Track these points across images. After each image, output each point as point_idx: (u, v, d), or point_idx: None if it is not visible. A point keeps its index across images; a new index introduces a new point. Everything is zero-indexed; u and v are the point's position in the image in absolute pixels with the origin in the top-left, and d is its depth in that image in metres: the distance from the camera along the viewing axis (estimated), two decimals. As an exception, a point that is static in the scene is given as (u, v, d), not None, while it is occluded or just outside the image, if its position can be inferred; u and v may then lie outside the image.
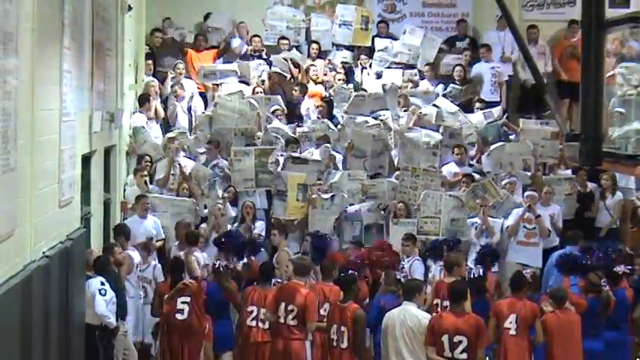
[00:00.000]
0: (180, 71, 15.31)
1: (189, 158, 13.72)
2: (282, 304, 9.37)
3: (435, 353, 8.45)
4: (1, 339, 6.52)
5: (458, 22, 16.90)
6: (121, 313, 10.09)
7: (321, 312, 9.61)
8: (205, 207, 12.96)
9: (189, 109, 15.07)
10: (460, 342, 8.43)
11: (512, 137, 14.56)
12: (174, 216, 12.53)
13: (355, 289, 9.39)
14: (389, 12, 17.27)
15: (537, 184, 13.37)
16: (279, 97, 15.10)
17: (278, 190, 13.25)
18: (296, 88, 15.35)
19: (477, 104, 15.38)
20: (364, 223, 12.92)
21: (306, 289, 9.56)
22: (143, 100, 14.46)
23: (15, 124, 7.03)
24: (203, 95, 15.51)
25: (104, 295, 9.54)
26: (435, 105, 15.02)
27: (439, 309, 9.88)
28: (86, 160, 10.59)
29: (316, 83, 15.82)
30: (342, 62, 16.24)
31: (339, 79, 15.74)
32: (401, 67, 16.12)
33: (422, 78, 16.07)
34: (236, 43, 16.33)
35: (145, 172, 13.06)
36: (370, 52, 16.45)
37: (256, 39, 16.23)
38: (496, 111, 15.26)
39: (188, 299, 10.09)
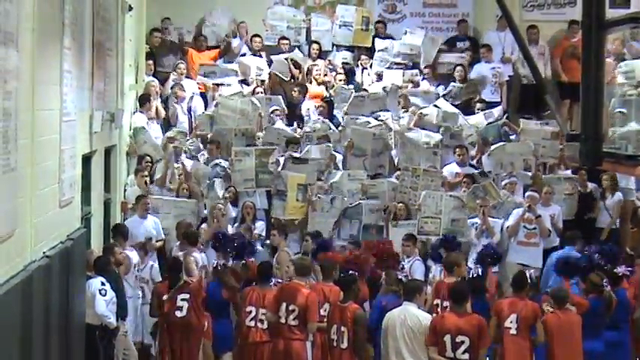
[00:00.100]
0: (182, 71, 15.32)
1: (189, 158, 13.72)
2: (284, 305, 9.37)
3: (437, 353, 8.45)
4: (2, 339, 6.53)
5: (458, 22, 16.89)
6: (122, 313, 10.09)
7: (321, 312, 9.60)
8: (205, 207, 12.96)
9: (190, 109, 15.08)
10: (462, 342, 8.42)
11: (512, 137, 14.55)
12: (177, 217, 12.52)
13: (355, 289, 9.38)
14: (389, 12, 17.27)
15: (538, 184, 13.37)
16: (279, 97, 15.10)
17: (278, 190, 13.24)
18: (295, 88, 15.35)
19: (478, 105, 15.38)
20: (363, 223, 12.93)
21: (308, 289, 9.56)
22: (143, 100, 14.46)
23: (15, 124, 7.03)
24: (203, 95, 15.51)
25: (104, 295, 9.54)
26: (435, 106, 15.02)
27: (439, 309, 9.88)
28: (86, 160, 10.59)
29: (319, 84, 15.82)
30: (342, 63, 16.25)
31: (340, 80, 15.75)
32: (401, 68, 16.12)
33: (423, 78, 16.07)
34: (235, 42, 16.33)
35: (146, 173, 13.05)
36: (370, 52, 16.45)
37: (257, 39, 16.23)
38: (496, 111, 15.27)
39: (187, 296, 10.09)
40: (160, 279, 11.04)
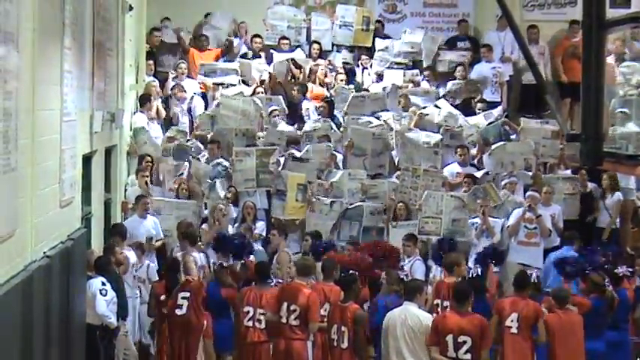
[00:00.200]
0: (183, 71, 15.32)
1: (189, 160, 13.70)
2: (285, 304, 9.36)
3: (439, 353, 8.45)
4: (2, 339, 6.52)
5: (459, 22, 16.91)
6: (122, 313, 10.09)
7: (322, 312, 9.60)
8: (206, 207, 12.96)
9: (190, 109, 15.08)
10: (464, 342, 8.41)
11: (513, 137, 14.55)
12: (179, 219, 12.45)
13: (356, 289, 9.39)
14: (390, 12, 17.27)
15: (538, 184, 13.37)
16: (280, 97, 15.10)
17: (277, 190, 13.24)
18: (295, 88, 15.35)
19: (479, 105, 15.38)
20: (364, 225, 12.91)
21: (309, 289, 9.55)
22: (144, 100, 14.47)
23: (16, 124, 7.03)
24: (204, 95, 15.51)
25: (105, 295, 9.54)
26: (436, 106, 15.02)
27: (440, 309, 9.88)
28: (87, 160, 10.59)
29: (321, 85, 15.81)
30: (342, 63, 16.24)
31: (341, 80, 15.74)
32: (402, 68, 16.12)
33: (423, 78, 16.07)
34: (235, 42, 16.33)
35: (146, 173, 13.06)
36: (370, 52, 16.44)
37: (257, 39, 16.23)
38: (496, 112, 15.28)
39: (188, 295, 10.09)
40: (157, 278, 11.04)
